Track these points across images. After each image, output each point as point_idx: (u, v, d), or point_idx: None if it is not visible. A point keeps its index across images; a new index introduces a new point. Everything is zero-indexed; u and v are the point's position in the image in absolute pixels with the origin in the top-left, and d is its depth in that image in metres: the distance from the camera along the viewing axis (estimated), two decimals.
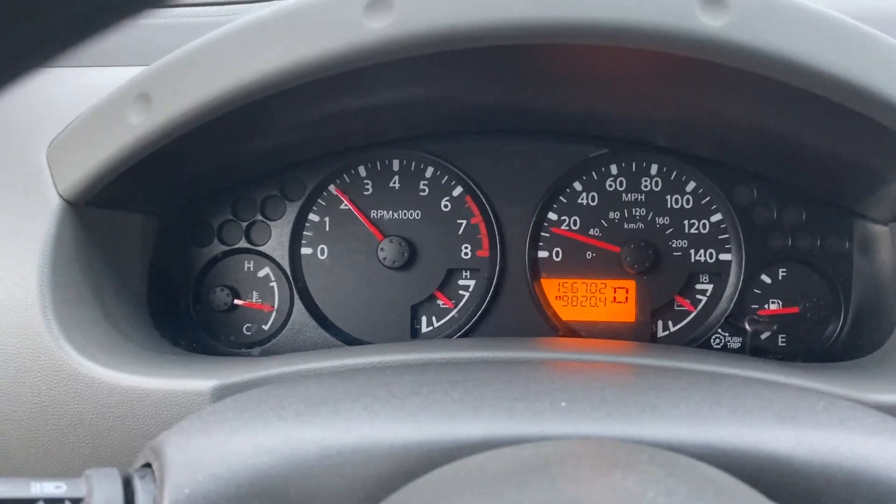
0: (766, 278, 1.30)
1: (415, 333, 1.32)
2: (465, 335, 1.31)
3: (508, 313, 1.32)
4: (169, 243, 1.25)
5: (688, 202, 1.31)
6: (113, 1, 0.34)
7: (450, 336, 1.31)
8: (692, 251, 1.30)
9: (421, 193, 1.33)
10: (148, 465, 0.64)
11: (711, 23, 0.81)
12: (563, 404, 0.68)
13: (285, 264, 1.32)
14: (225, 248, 1.32)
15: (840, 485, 0.62)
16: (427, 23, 0.81)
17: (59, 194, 0.98)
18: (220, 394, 0.90)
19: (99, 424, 0.91)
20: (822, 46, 0.82)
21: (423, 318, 1.33)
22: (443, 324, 1.33)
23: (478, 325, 1.31)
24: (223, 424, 0.66)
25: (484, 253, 1.32)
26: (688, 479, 0.54)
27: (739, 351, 1.28)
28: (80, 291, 0.99)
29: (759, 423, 0.66)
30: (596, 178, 1.32)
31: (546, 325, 1.31)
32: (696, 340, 1.29)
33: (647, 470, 0.55)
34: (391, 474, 0.61)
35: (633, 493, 0.51)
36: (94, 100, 0.96)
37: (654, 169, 1.31)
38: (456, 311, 1.33)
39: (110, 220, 1.08)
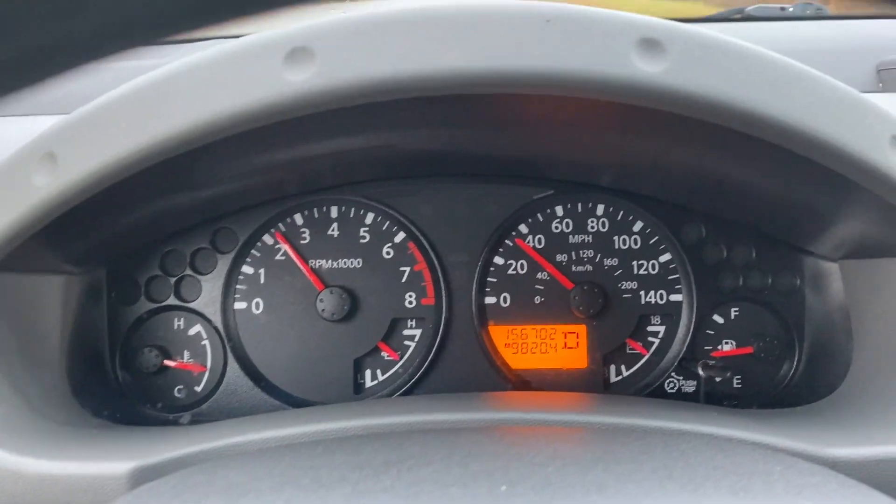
0: (718, 318, 1.27)
1: (358, 389, 1.26)
2: (412, 388, 1.25)
3: (457, 363, 1.26)
4: (91, 303, 1.17)
5: (636, 242, 1.27)
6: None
7: (396, 390, 1.25)
8: (642, 292, 1.27)
9: (361, 241, 1.27)
10: None
11: (649, 69, 0.77)
12: (504, 488, 0.63)
13: (217, 321, 1.24)
14: (153, 305, 1.25)
15: None
16: (350, 74, 0.76)
17: None
18: (139, 476, 0.83)
19: None
20: (763, 90, 0.79)
21: (368, 372, 1.27)
22: (388, 377, 1.27)
23: (425, 377, 1.26)
24: None
25: (429, 301, 1.27)
26: None
27: (694, 396, 1.24)
28: None
29: (712, 499, 0.62)
30: (542, 220, 1.28)
31: (496, 375, 1.26)
32: (649, 386, 1.25)
33: None
34: None
35: None
36: None
37: (600, 209, 1.28)
38: (401, 363, 1.27)
39: (19, 286, 1.00)
